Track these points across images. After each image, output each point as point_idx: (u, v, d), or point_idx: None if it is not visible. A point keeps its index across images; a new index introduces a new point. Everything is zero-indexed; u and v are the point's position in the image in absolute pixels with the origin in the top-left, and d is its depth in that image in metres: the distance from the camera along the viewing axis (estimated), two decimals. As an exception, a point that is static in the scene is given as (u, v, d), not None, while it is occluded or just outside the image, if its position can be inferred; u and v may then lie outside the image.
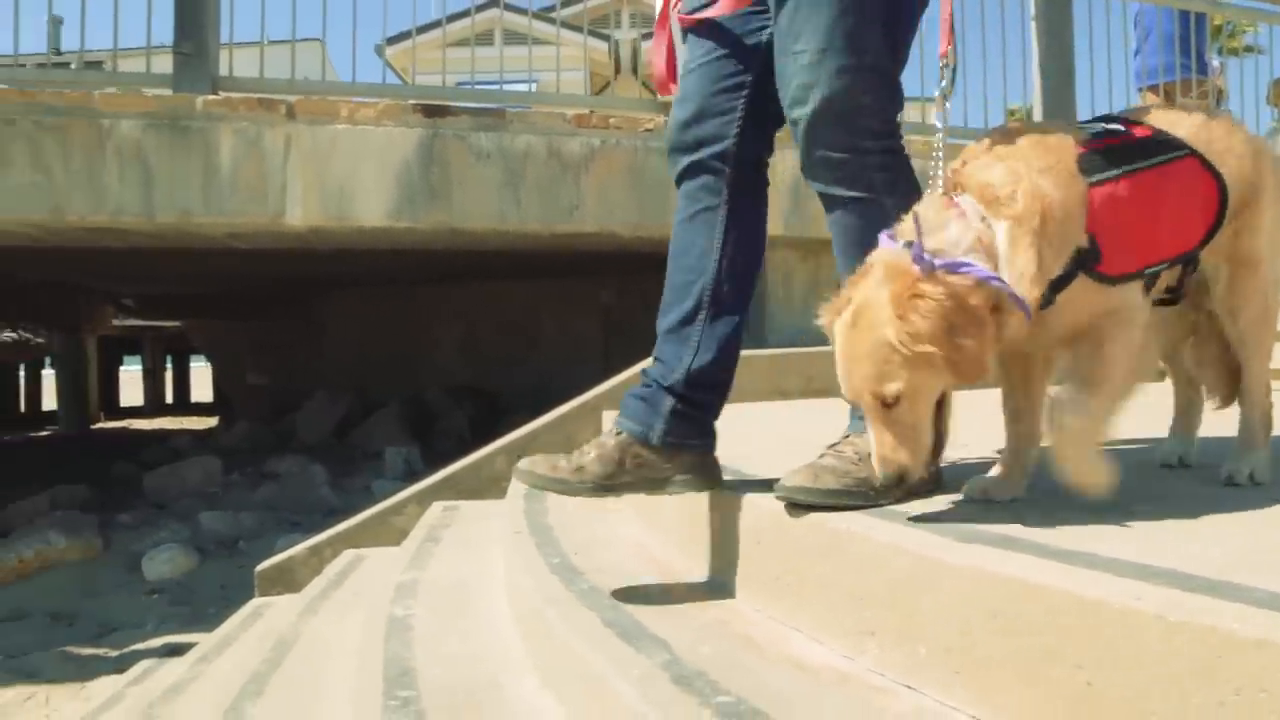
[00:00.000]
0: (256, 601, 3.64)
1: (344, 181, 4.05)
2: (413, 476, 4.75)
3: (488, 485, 3.72)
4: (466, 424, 7.25)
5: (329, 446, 7.38)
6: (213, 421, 12.56)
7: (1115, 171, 1.45)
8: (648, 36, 7.35)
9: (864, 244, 1.53)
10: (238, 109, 4.06)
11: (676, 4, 1.90)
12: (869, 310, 1.36)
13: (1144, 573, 1.05)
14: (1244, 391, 1.70)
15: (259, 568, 3.73)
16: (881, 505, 1.51)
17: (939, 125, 1.54)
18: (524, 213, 4.23)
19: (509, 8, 6.40)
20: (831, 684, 1.28)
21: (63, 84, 4.13)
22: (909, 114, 4.14)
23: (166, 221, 4.04)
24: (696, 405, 1.74)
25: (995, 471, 1.57)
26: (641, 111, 4.64)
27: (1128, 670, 0.96)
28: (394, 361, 8.77)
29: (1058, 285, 1.40)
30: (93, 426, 12.25)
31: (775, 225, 4.54)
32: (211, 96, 4.08)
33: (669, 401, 1.73)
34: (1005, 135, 1.50)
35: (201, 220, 4.05)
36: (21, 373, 15.64)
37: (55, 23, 6.17)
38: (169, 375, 20.11)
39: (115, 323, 13.23)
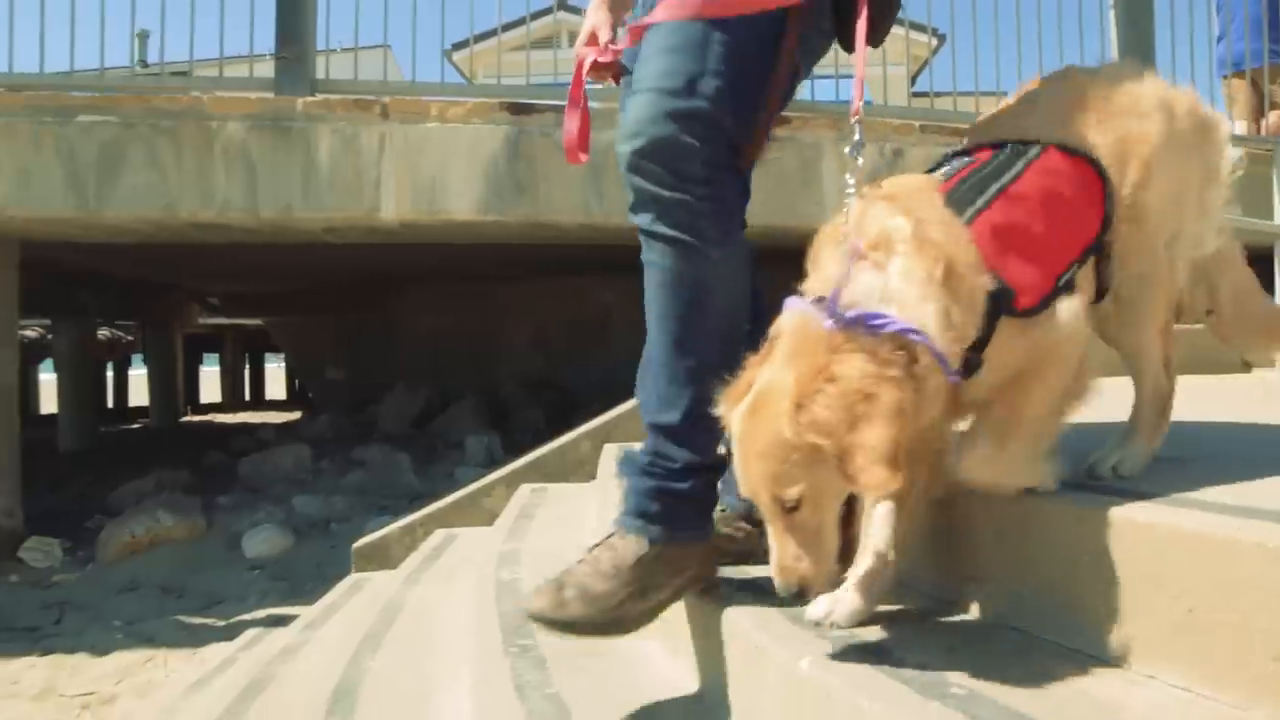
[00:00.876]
0: (354, 576, 3.83)
1: (435, 177, 4.24)
2: (493, 464, 4.91)
3: (573, 468, 3.85)
4: (542, 416, 7.43)
5: (409, 437, 7.64)
6: (290, 416, 13.01)
7: (982, 200, 1.34)
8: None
9: (680, 292, 1.51)
10: (335, 109, 4.28)
11: (589, 72, 1.84)
12: (769, 397, 1.20)
13: (1241, 512, 1.13)
14: (1131, 371, 1.55)
15: (356, 545, 3.92)
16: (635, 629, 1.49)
17: (849, 180, 1.38)
18: (607, 205, 4.37)
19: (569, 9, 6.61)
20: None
21: (175, 89, 4.39)
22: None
23: (268, 217, 4.27)
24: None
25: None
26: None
27: (1229, 596, 1.03)
28: (469, 357, 9.02)
29: (982, 345, 1.27)
30: (181, 420, 12.79)
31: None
32: (310, 98, 4.31)
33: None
34: (880, 191, 1.36)
35: (301, 215, 4.28)
36: (110, 370, 16.38)
37: (141, 37, 6.51)
38: (246, 373, 20.85)
39: (200, 321, 13.80)
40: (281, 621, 3.78)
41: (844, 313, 1.19)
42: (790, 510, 1.19)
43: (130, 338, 14.37)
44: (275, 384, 22.84)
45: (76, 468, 7.98)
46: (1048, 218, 1.37)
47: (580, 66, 1.81)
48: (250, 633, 3.78)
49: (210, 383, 19.52)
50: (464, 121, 4.26)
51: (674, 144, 1.53)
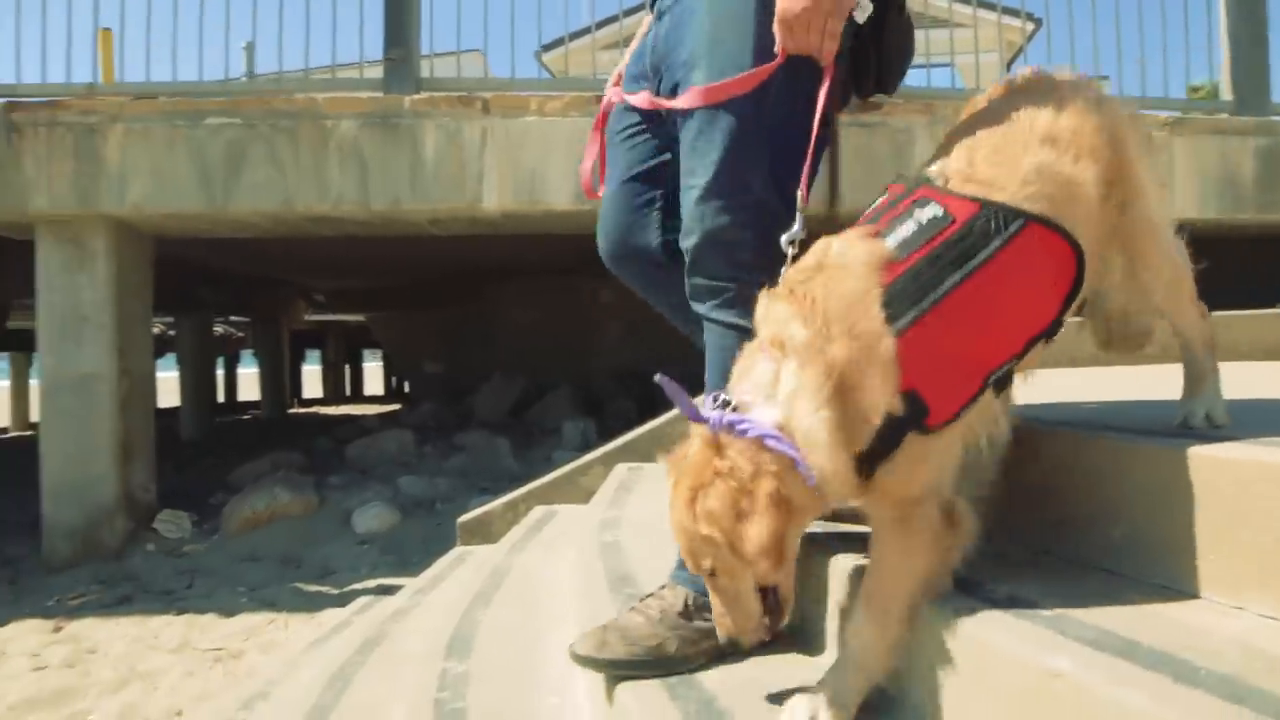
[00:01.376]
0: (459, 549, 4.03)
1: (534, 169, 4.41)
2: (588, 449, 5.06)
3: (667, 450, 3.96)
4: (634, 407, 7.58)
5: (507, 424, 7.89)
6: (387, 409, 13.52)
7: (928, 301, 1.27)
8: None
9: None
10: (439, 106, 4.50)
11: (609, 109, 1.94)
12: (680, 483, 1.30)
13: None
14: (1179, 332, 1.59)
15: (461, 519, 4.12)
16: (681, 672, 1.51)
17: (782, 271, 1.41)
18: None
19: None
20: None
21: (293, 91, 4.67)
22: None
23: (379, 209, 4.52)
24: None
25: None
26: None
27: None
28: (562, 350, 9.25)
29: (874, 457, 1.26)
30: (288, 411, 13.42)
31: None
32: (417, 96, 4.54)
33: None
34: (806, 272, 1.34)
35: (408, 207, 4.51)
36: (220, 366, 17.27)
37: (248, 49, 6.89)
38: (346, 369, 21.68)
39: (305, 318, 14.43)
40: (390, 591, 4.00)
41: (718, 417, 1.26)
42: (711, 577, 1.31)
43: (241, 334, 15.12)
44: (372, 380, 23.71)
45: (197, 453, 8.49)
46: (996, 315, 1.33)
47: (603, 105, 1.93)
48: (362, 600, 4.01)
49: (310, 379, 20.37)
50: (561, 115, 4.43)
51: (727, 237, 1.62)
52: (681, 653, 1.53)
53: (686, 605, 1.58)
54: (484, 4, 5.10)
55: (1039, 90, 1.49)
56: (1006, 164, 1.38)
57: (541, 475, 4.38)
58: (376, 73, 4.75)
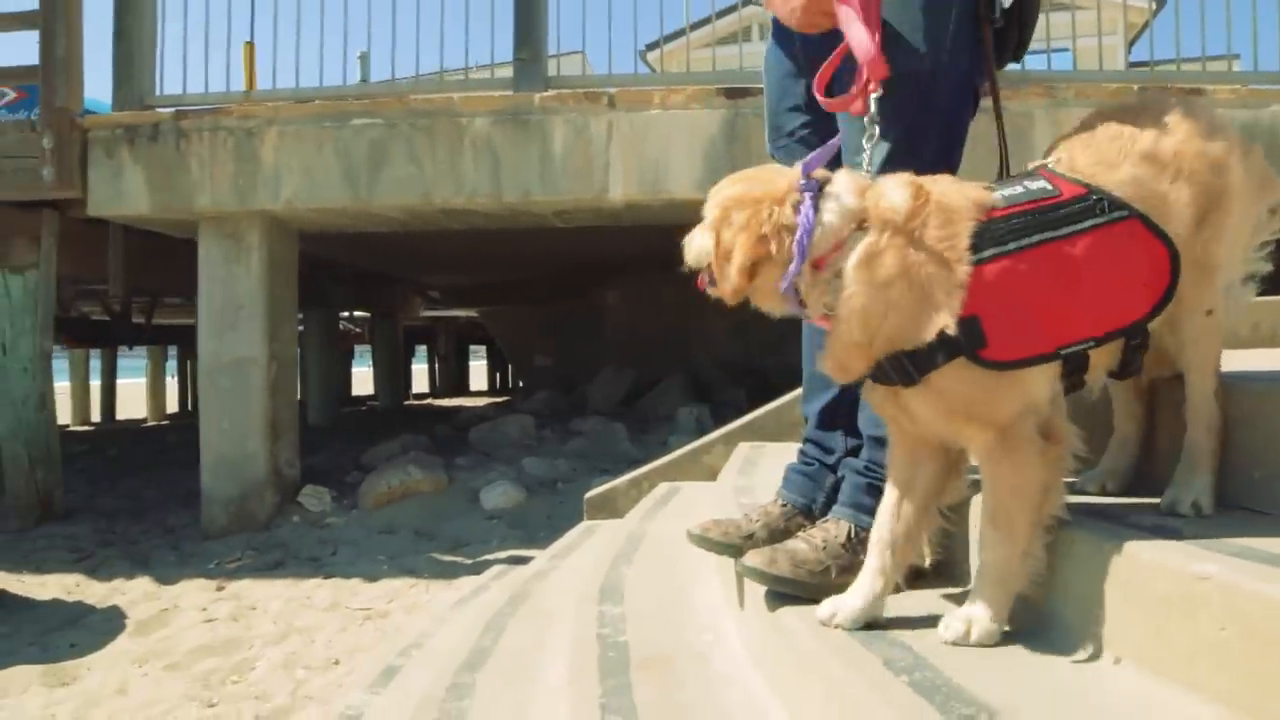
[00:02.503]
0: (586, 523, 4.23)
1: (657, 160, 4.60)
2: (703, 434, 5.22)
3: (787, 429, 4.07)
4: (744, 396, 7.71)
5: (620, 412, 8.13)
6: (499, 400, 13.97)
7: (1014, 245, 1.35)
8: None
9: None
10: (567, 102, 4.72)
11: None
12: (751, 182, 1.51)
13: None
14: (1188, 407, 1.53)
15: (588, 495, 4.32)
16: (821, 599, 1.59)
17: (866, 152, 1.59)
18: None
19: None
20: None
21: (430, 91, 4.98)
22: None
23: (510, 201, 4.77)
24: None
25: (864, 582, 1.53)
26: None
27: None
28: (670, 342, 9.44)
29: (920, 362, 1.36)
30: (404, 403, 14.03)
31: (1064, 187, 4.60)
32: (545, 93, 4.78)
33: (830, 479, 1.94)
34: (926, 180, 1.46)
35: (538, 199, 4.75)
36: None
37: (363, 58, 7.27)
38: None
39: (418, 314, 15.04)
40: (521, 561, 4.23)
41: (811, 182, 1.44)
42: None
43: (358, 329, 15.85)
44: (476, 376, 24.43)
45: (326, 438, 9.00)
46: (1080, 288, 1.37)
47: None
48: (496, 568, 4.25)
49: (416, 375, 21.13)
50: (683, 107, 4.59)
51: None
52: (841, 581, 1.64)
53: (850, 537, 1.71)
54: (582, 8, 5.30)
55: (1151, 107, 1.54)
56: (1103, 171, 1.45)
57: (658, 458, 4.56)
58: (505, 73, 5.01)
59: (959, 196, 1.40)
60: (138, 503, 6.45)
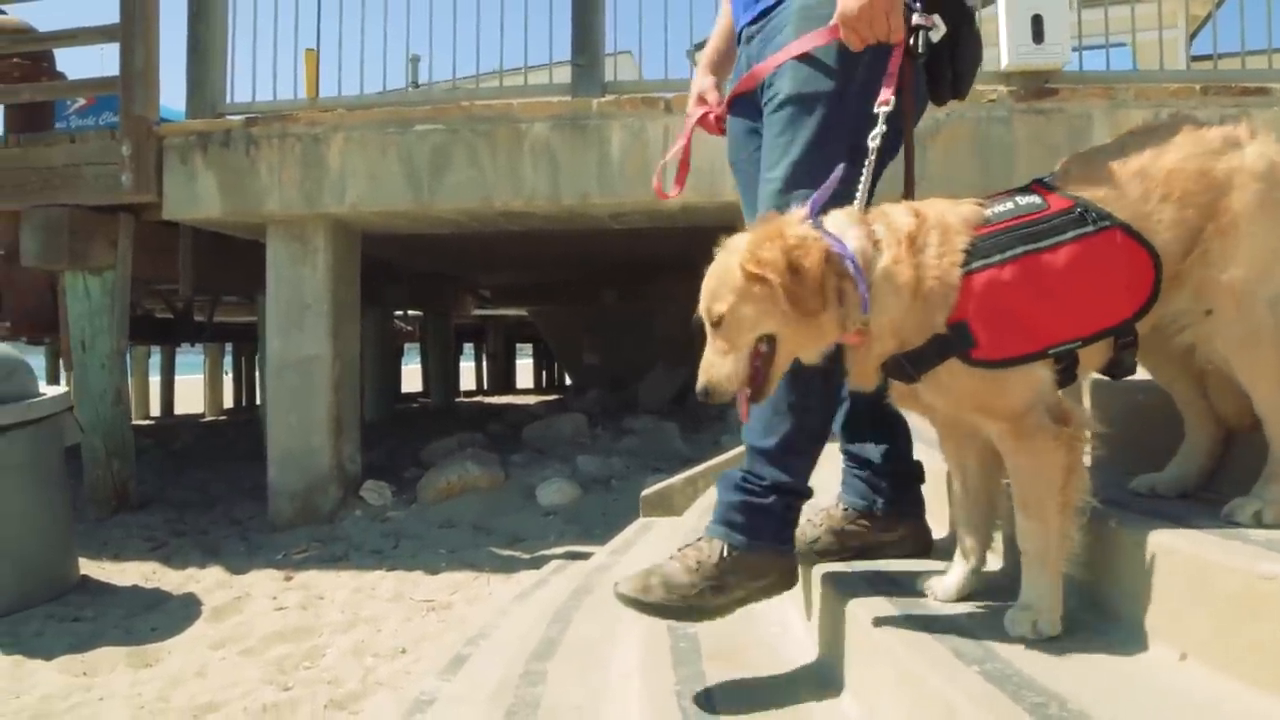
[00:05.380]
0: (642, 520, 4.33)
1: (712, 162, 4.64)
2: (755, 432, 5.30)
3: (840, 428, 4.13)
4: (792, 395, 7.74)
5: (671, 411, 8.22)
6: (548, 398, 14.14)
7: (999, 257, 1.47)
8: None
9: None
10: (624, 107, 4.81)
11: (698, 123, 2.24)
12: (739, 241, 1.54)
13: None
14: (1257, 408, 1.56)
15: (644, 493, 4.41)
16: (711, 617, 1.77)
17: (864, 172, 1.67)
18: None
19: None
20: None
21: (490, 97, 5.10)
22: None
23: (569, 204, 4.88)
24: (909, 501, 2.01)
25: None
26: (983, 84, 4.84)
27: None
28: (717, 341, 9.49)
29: (917, 361, 1.49)
30: (455, 400, 14.25)
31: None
32: (603, 99, 4.87)
33: (883, 482, 2.01)
34: (921, 204, 1.58)
35: (595, 201, 4.85)
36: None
37: (413, 61, 7.43)
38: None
39: (469, 312, 15.24)
40: (579, 556, 4.33)
41: (819, 220, 1.51)
42: (716, 325, 1.51)
43: (410, 328, 16.11)
44: (522, 375, 24.68)
45: (382, 435, 9.21)
46: (1064, 291, 1.48)
47: (689, 123, 2.23)
48: (555, 562, 4.36)
49: (464, 373, 21.40)
50: (739, 112, 4.64)
51: None
52: (713, 602, 1.76)
53: (722, 556, 1.79)
54: (638, 8, 5.38)
55: (1162, 129, 1.61)
56: (1095, 186, 1.54)
57: (710, 458, 4.62)
58: (562, 72, 5.12)
59: (953, 216, 1.53)
60: (206, 495, 6.68)
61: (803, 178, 1.78)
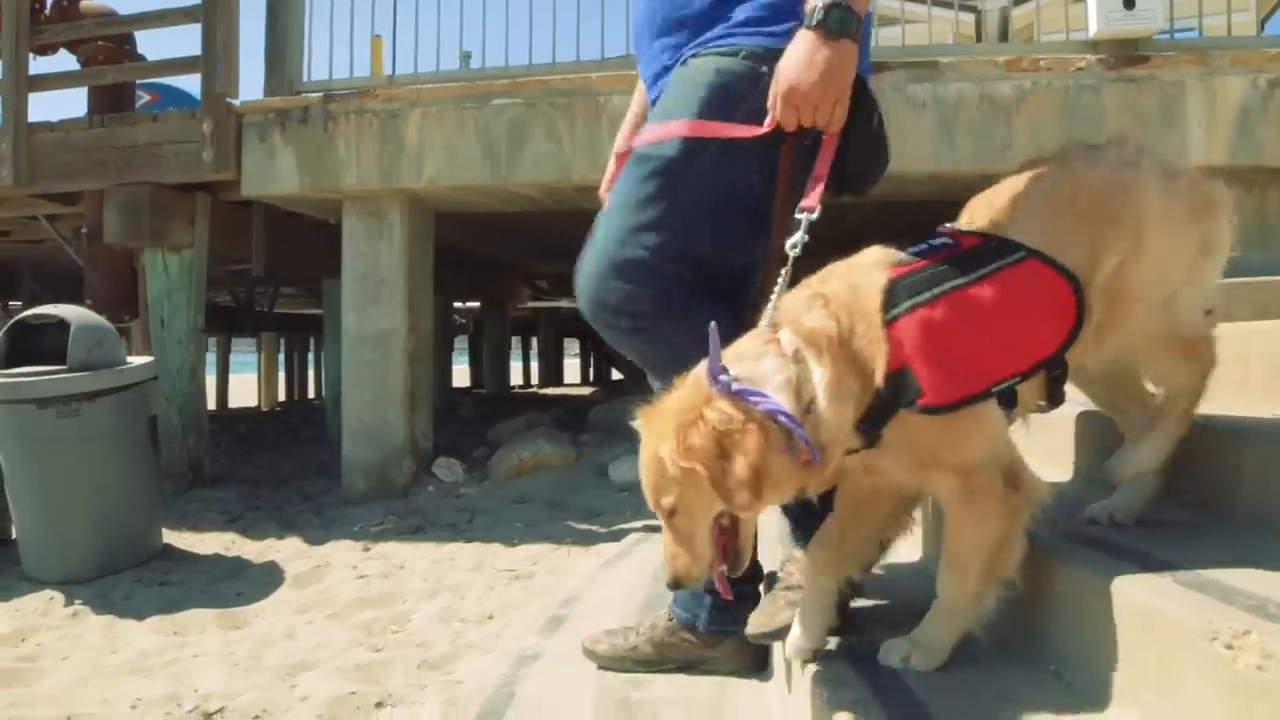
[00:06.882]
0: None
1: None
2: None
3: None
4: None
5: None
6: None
7: (926, 295, 1.41)
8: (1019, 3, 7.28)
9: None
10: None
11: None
12: (662, 421, 1.40)
13: None
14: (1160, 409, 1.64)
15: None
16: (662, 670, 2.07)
17: (781, 277, 1.54)
18: (958, 154, 4.52)
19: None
20: None
21: (568, 70, 5.09)
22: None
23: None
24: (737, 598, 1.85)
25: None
26: (1071, 53, 4.73)
27: None
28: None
29: (873, 421, 1.40)
30: (510, 391, 14.33)
31: (1219, 154, 4.44)
32: (681, 70, 4.82)
33: (709, 599, 2.08)
34: (820, 275, 1.51)
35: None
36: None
37: (465, 57, 7.45)
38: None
39: (521, 305, 15.31)
40: (656, 530, 4.30)
41: (727, 381, 1.37)
42: (670, 515, 1.42)
43: (463, 320, 16.24)
44: (568, 370, 24.80)
45: (444, 418, 9.26)
46: (995, 326, 1.43)
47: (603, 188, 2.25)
48: (634, 535, 4.34)
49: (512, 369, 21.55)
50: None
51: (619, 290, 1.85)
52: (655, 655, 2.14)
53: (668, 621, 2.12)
54: None
55: (1055, 159, 1.63)
56: (998, 222, 1.54)
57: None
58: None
59: (859, 275, 1.47)
60: (276, 472, 6.77)
61: (613, 237, 1.87)
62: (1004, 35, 7.97)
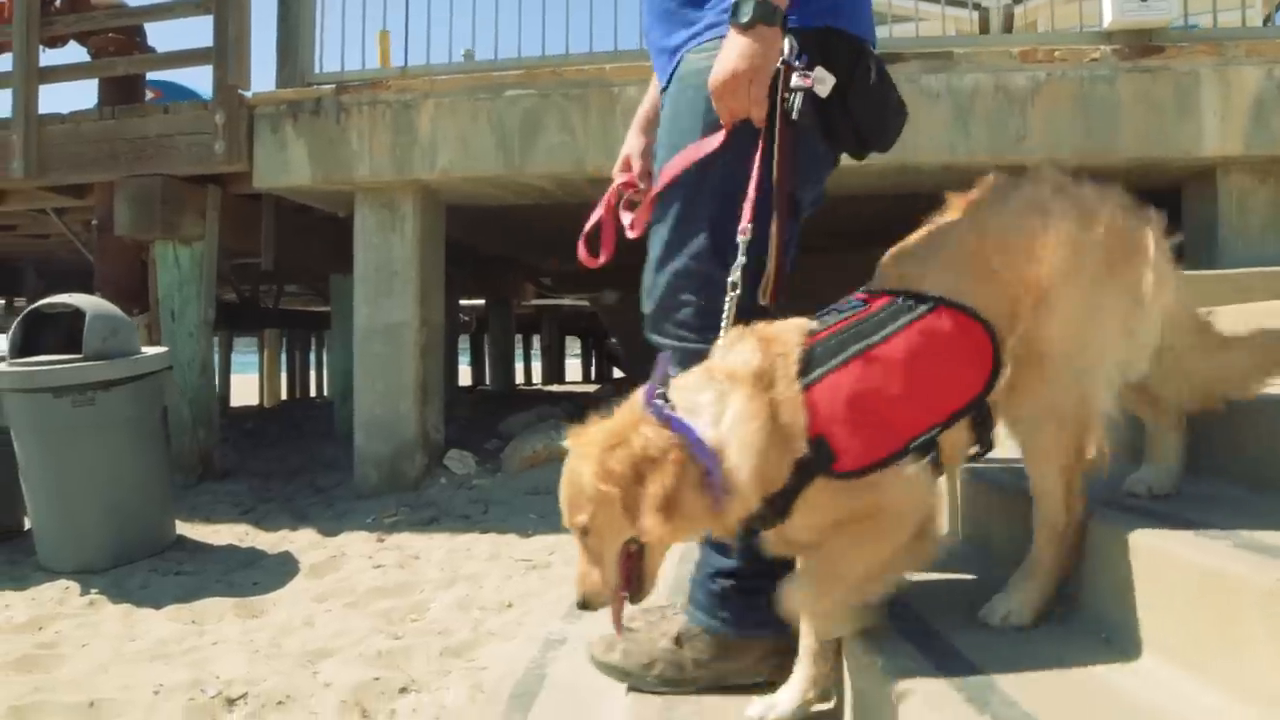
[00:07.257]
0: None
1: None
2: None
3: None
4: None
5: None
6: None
7: (837, 360, 1.40)
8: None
9: None
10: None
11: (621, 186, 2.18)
12: (589, 440, 1.43)
13: None
14: (1035, 508, 1.52)
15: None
16: (662, 692, 1.83)
17: (725, 312, 1.59)
18: (973, 144, 4.52)
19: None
20: None
21: (581, 61, 5.08)
22: None
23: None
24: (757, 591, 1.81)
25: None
26: (1085, 43, 4.73)
27: None
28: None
29: (786, 497, 1.39)
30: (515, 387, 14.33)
31: (1234, 145, 4.44)
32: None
33: (732, 595, 1.90)
34: (740, 332, 1.50)
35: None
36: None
37: (467, 55, 7.44)
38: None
39: (526, 302, 15.31)
40: (672, 520, 4.30)
41: (661, 407, 1.39)
42: (583, 534, 1.44)
43: (466, 318, 16.23)
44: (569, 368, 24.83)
45: (451, 413, 9.25)
46: (910, 381, 1.41)
47: (613, 189, 2.18)
48: (651, 525, 4.32)
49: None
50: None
51: (669, 305, 1.86)
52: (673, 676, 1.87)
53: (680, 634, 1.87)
54: None
55: (969, 204, 1.59)
56: (911, 276, 1.51)
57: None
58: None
59: (787, 333, 1.47)
60: (286, 466, 6.76)
61: (669, 257, 1.87)
62: (1008, 31, 7.96)
